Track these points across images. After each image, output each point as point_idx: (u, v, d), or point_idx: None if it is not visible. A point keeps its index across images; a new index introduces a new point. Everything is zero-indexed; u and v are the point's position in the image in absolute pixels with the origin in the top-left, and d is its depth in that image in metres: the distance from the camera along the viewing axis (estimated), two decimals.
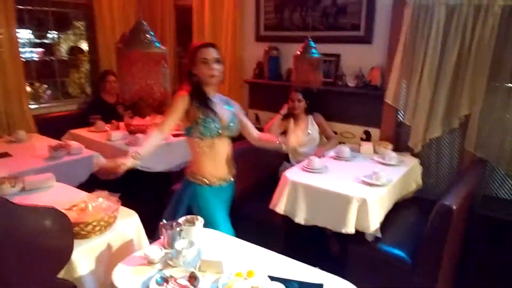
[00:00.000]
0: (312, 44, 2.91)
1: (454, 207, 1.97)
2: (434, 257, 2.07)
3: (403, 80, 2.94)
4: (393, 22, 2.95)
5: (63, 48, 4.44)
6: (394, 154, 2.77)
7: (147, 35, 2.02)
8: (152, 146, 1.96)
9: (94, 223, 1.68)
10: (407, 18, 2.79)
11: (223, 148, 2.11)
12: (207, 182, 2.08)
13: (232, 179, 2.22)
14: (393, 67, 2.92)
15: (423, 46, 2.75)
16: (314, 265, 1.53)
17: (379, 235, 2.26)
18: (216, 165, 2.10)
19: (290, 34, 3.58)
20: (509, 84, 2.58)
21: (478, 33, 2.56)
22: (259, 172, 3.04)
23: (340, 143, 3.19)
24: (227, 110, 2.11)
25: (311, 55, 2.64)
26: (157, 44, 2.05)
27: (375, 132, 3.19)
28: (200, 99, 2.00)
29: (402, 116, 3.03)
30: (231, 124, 2.08)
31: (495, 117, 2.63)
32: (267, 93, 3.78)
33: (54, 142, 2.96)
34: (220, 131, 2.01)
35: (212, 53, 1.97)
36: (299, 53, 2.91)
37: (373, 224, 2.21)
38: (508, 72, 2.55)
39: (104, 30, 4.33)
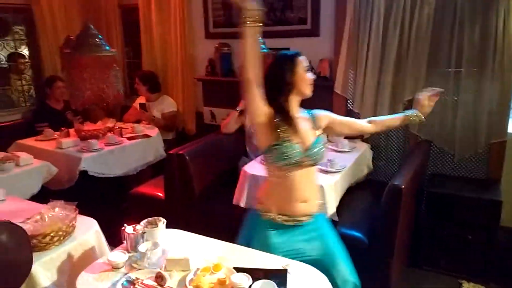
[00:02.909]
0: (260, 39, 2.95)
1: (403, 187, 2.11)
2: (389, 234, 2.20)
3: (350, 70, 3.07)
4: (337, 15, 3.07)
5: (2, 55, 4.20)
6: (346, 142, 2.90)
7: (95, 39, 1.98)
8: None
9: (52, 234, 1.63)
10: (349, 11, 2.92)
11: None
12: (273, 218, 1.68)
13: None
14: (340, 58, 3.04)
15: (366, 37, 2.88)
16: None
17: (336, 218, 2.37)
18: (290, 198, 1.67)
19: (239, 30, 3.60)
20: (447, 69, 2.77)
21: (416, 22, 2.72)
22: (218, 168, 3.06)
23: None
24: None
25: (260, 50, 2.69)
26: (107, 47, 2.01)
27: None
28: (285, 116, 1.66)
29: (351, 104, 3.16)
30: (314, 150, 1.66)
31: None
32: (221, 90, 3.80)
33: (0, 154, 2.81)
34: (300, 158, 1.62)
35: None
36: None
37: (330, 209, 2.31)
38: (445, 57, 2.75)
39: (46, 34, 4.14)
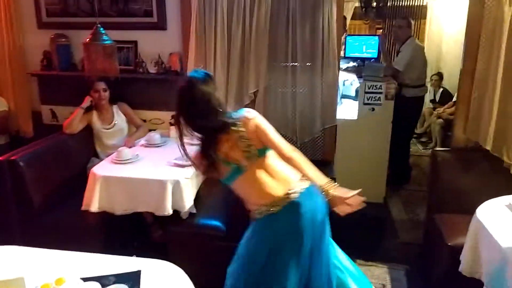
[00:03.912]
0: (102, 30, 2.77)
1: None
2: (243, 219, 2.33)
3: (200, 65, 3.12)
4: (182, 9, 3.08)
5: None
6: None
7: None
8: None
9: None
10: (194, 5, 2.95)
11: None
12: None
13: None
14: (189, 52, 3.06)
15: (212, 33, 2.97)
16: (131, 255, 1.53)
17: (194, 211, 2.41)
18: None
19: (78, 20, 3.31)
20: (285, 64, 3.05)
21: (255, 20, 2.91)
22: (64, 173, 2.77)
23: (150, 130, 3.19)
24: None
25: (102, 42, 2.51)
26: None
27: None
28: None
29: None
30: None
31: (276, 91, 3.10)
32: (61, 85, 3.43)
33: None
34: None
35: None
36: (88, 40, 2.74)
37: (188, 202, 2.35)
38: (283, 53, 3.02)
39: None
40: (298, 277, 1.65)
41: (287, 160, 1.65)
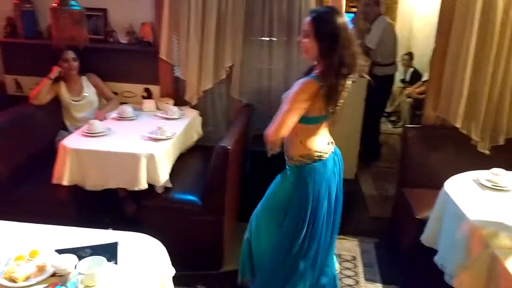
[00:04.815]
0: None
1: (229, 148, 2.26)
2: (219, 194, 2.35)
3: (174, 36, 3.03)
4: None
5: None
6: (175, 108, 2.90)
7: None
8: None
9: None
10: None
11: None
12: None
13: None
14: (163, 23, 2.96)
15: (186, 2, 2.86)
16: (107, 228, 1.51)
17: (170, 185, 2.39)
18: None
19: None
20: (261, 38, 3.01)
21: None
22: (31, 145, 2.67)
23: (121, 103, 3.10)
24: None
25: (70, 7, 2.37)
26: None
27: (155, 89, 3.22)
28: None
29: (178, 70, 3.15)
30: None
31: (252, 66, 3.06)
32: (26, 54, 3.24)
33: None
34: None
35: None
36: (55, 5, 2.58)
37: (163, 176, 2.32)
38: (259, 27, 2.96)
39: None
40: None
41: None
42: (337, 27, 1.65)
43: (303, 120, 1.70)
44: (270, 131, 1.65)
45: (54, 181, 2.30)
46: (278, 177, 2.02)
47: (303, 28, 1.74)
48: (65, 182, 2.27)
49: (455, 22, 2.53)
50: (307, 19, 1.71)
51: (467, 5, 2.44)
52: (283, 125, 1.63)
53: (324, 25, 1.65)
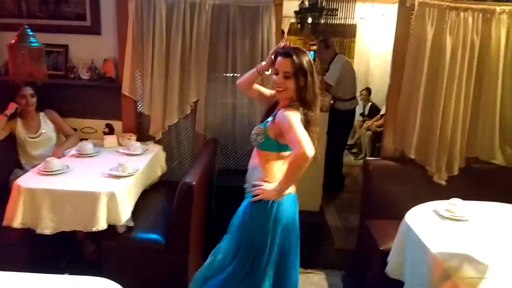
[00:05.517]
0: (30, 32, 2.57)
1: (194, 183, 2.22)
2: (184, 231, 2.28)
3: (137, 72, 3.02)
4: (119, 14, 2.96)
5: None
6: (138, 144, 2.85)
7: None
8: None
9: None
10: (131, 10, 2.85)
11: None
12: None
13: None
14: (126, 59, 2.94)
15: (150, 39, 2.88)
16: (63, 273, 1.42)
17: (132, 224, 2.30)
18: None
19: (2, 21, 3.05)
20: (225, 74, 3.06)
21: (195, 29, 2.88)
22: None
23: (81, 139, 3.01)
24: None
25: (29, 44, 2.33)
26: None
27: (117, 124, 3.15)
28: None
29: (141, 106, 3.12)
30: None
31: (217, 102, 3.09)
32: None
33: None
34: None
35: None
36: (13, 42, 2.53)
37: (124, 215, 2.23)
38: (223, 63, 3.01)
39: None
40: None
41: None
42: (310, 64, 1.78)
43: (282, 147, 1.84)
44: (303, 149, 1.66)
45: (5, 223, 2.16)
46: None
47: (282, 69, 1.79)
48: (15, 224, 2.13)
49: (407, 60, 2.70)
50: (285, 60, 1.78)
51: (418, 44, 2.62)
52: (306, 138, 1.68)
53: (301, 63, 1.76)
